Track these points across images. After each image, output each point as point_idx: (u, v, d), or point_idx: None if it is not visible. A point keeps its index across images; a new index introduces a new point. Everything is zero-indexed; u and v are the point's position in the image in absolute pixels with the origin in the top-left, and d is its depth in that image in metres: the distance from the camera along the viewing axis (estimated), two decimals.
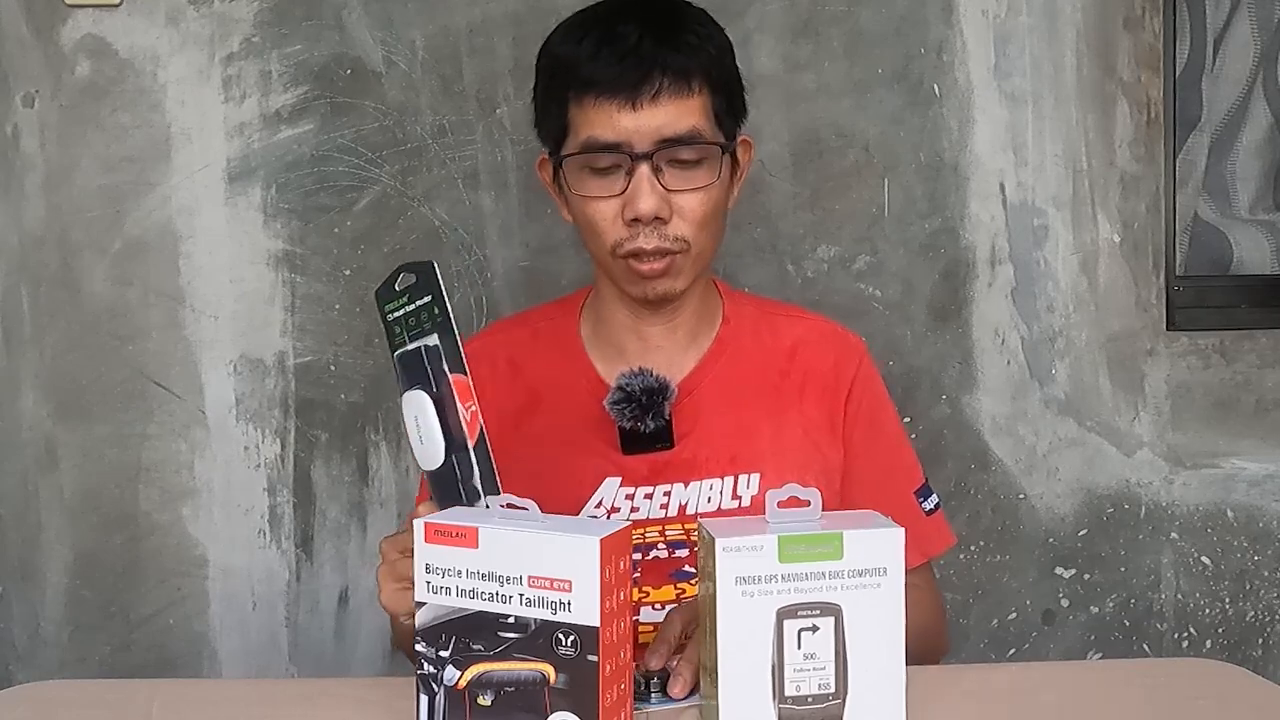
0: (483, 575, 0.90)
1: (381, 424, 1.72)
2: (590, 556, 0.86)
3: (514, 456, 1.27)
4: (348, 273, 1.71)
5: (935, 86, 1.74)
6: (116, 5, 1.66)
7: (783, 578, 0.87)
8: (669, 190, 1.16)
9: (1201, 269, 1.90)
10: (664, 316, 1.27)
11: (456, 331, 0.97)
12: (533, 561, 0.88)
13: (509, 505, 0.93)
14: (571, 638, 0.87)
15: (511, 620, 0.89)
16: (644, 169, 1.15)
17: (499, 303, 1.71)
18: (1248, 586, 1.81)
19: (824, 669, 0.88)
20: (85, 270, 1.69)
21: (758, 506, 1.20)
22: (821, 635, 0.88)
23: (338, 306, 1.71)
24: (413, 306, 0.98)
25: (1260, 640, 1.81)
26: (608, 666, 0.88)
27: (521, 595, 0.88)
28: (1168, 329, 1.80)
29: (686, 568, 1.22)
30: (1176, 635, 1.81)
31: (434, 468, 0.98)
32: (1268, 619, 1.81)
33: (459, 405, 0.96)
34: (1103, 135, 1.77)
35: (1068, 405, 1.78)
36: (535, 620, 0.88)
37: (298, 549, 1.73)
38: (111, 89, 1.68)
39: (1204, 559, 1.80)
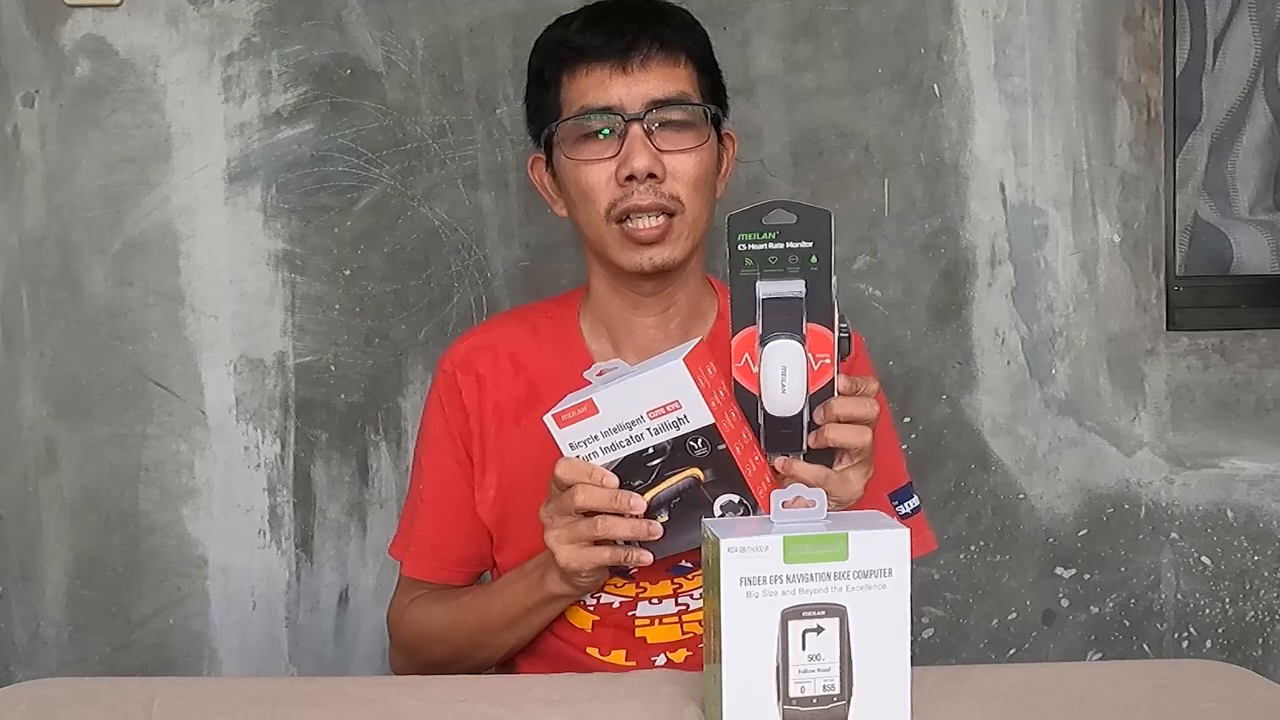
0: (614, 429, 1.03)
1: (381, 424, 1.72)
2: (682, 375, 1.00)
3: (515, 451, 1.28)
4: (348, 273, 1.71)
5: (935, 86, 1.74)
6: (116, 5, 1.66)
7: (787, 578, 0.87)
8: (661, 150, 1.21)
9: (1201, 269, 1.90)
10: (659, 305, 1.28)
11: (835, 283, 1.01)
12: (644, 400, 1.02)
13: (602, 373, 1.07)
14: (700, 439, 1.02)
15: (651, 451, 1.03)
16: (636, 129, 1.20)
17: (499, 302, 1.71)
18: (1248, 586, 1.81)
19: (829, 670, 0.88)
20: (85, 270, 1.69)
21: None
22: (826, 636, 0.88)
23: (338, 306, 1.71)
24: (781, 246, 1.01)
25: (1260, 640, 1.81)
26: (737, 446, 1.03)
27: (649, 429, 1.03)
28: (1168, 329, 1.80)
29: (683, 563, 1.23)
30: (1176, 635, 1.81)
31: (788, 415, 1.03)
32: (1268, 619, 1.81)
33: (811, 356, 1.02)
34: (1103, 135, 1.77)
35: (1068, 405, 1.78)
36: (669, 442, 1.03)
37: (298, 549, 1.73)
38: (111, 89, 1.68)
39: (1204, 559, 1.80)
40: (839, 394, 1.03)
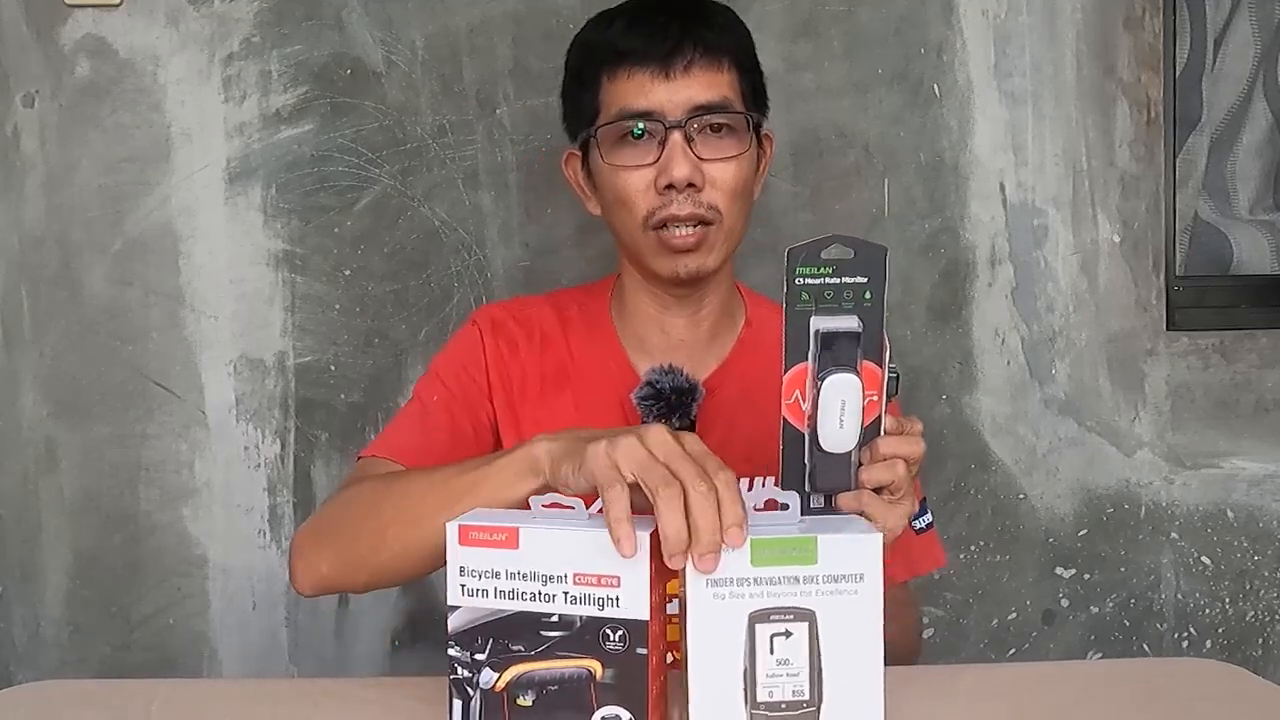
0: (524, 575, 0.89)
1: (381, 424, 1.72)
2: (641, 552, 0.86)
3: (530, 428, 1.25)
4: (348, 273, 1.71)
5: (935, 86, 1.74)
6: (116, 5, 1.66)
7: (754, 581, 0.85)
8: (701, 159, 1.18)
9: (1201, 269, 1.89)
10: (689, 308, 1.28)
11: (886, 320, 0.98)
12: (578, 559, 0.88)
13: (554, 505, 0.92)
14: (620, 632, 0.87)
15: (555, 619, 0.88)
16: (677, 136, 1.18)
17: None
18: (1248, 586, 1.81)
19: (798, 675, 0.85)
20: (85, 270, 1.69)
21: (768, 510, 1.21)
22: (795, 641, 0.86)
23: (338, 306, 1.71)
24: (837, 280, 0.96)
25: (1260, 640, 1.81)
26: (654, 659, 0.88)
27: (566, 593, 0.88)
28: (1168, 329, 1.80)
29: None
30: (1176, 635, 1.81)
31: (842, 451, 0.98)
32: (1268, 619, 1.81)
33: (865, 392, 0.97)
34: (1103, 135, 1.77)
35: (1068, 405, 1.78)
36: (581, 617, 0.88)
37: None
38: (111, 89, 1.68)
39: (1204, 559, 1.80)
40: (885, 433, 1.00)
